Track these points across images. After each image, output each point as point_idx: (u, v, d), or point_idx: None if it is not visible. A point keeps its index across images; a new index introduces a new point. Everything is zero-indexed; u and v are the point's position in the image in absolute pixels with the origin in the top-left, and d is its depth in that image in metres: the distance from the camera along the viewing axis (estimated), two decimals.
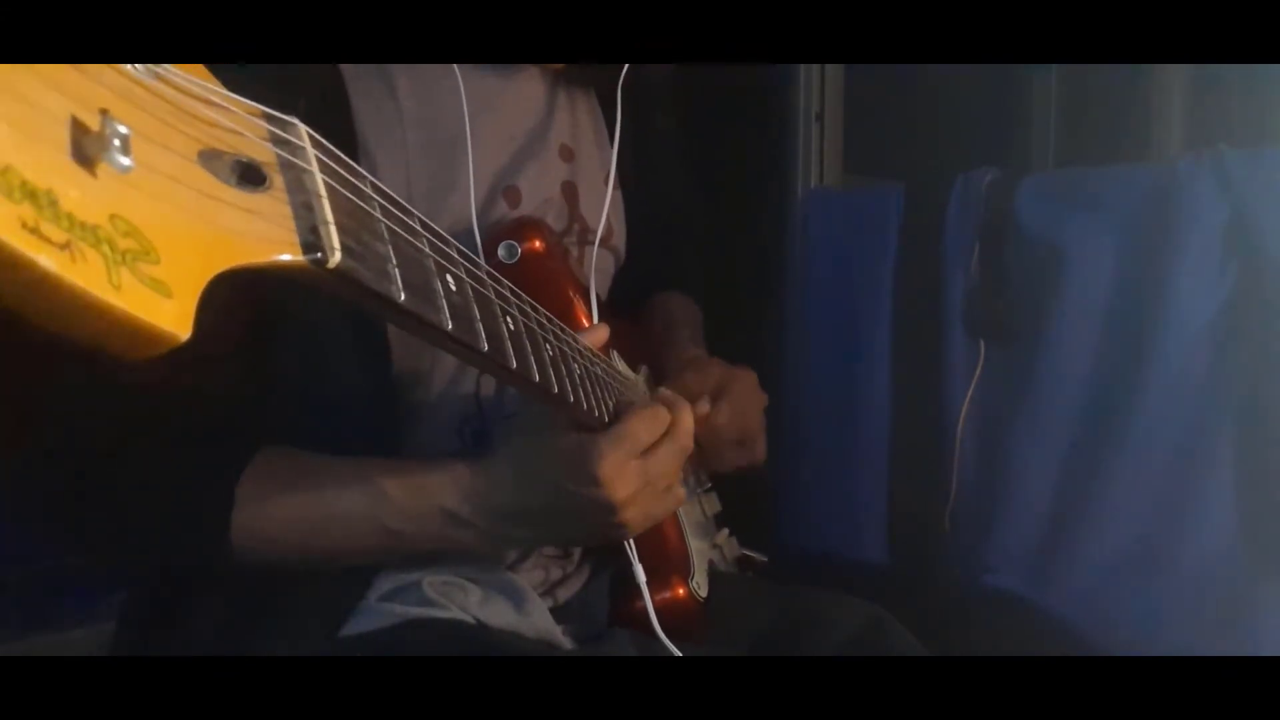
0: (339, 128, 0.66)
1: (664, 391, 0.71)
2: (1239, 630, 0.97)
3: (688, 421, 0.68)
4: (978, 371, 1.17)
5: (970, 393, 1.17)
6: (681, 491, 0.69)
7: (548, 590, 0.78)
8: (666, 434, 0.65)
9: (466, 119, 0.71)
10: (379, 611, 0.69)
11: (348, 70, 0.68)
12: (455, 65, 0.72)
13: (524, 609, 0.73)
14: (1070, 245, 1.08)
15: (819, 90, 1.39)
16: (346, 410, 0.68)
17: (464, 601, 0.71)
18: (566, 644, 0.75)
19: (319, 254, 0.32)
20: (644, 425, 0.64)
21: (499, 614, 0.72)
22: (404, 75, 0.71)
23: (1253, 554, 0.98)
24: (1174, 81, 1.50)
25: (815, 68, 1.38)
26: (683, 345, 0.92)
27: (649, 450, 0.64)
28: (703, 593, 0.80)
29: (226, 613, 0.68)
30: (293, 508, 0.63)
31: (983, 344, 1.16)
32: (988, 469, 1.16)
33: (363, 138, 0.68)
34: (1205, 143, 1.02)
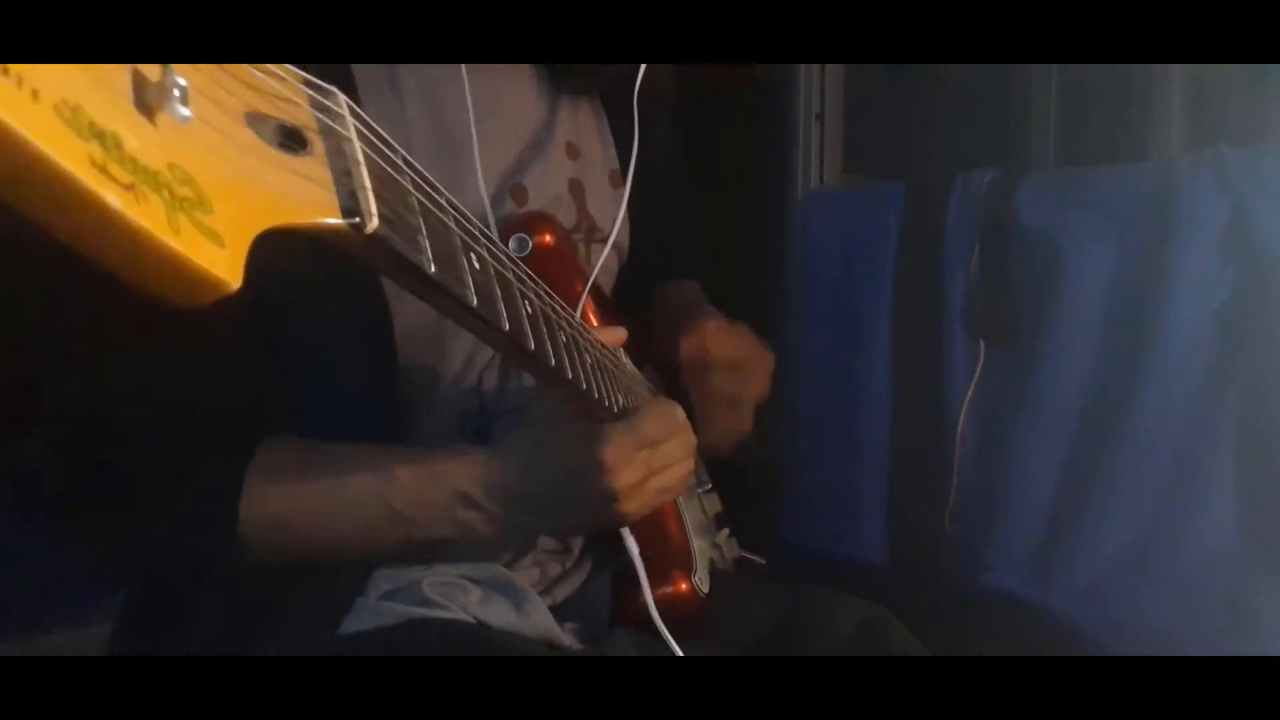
0: None
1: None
2: (1239, 630, 0.97)
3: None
4: (978, 371, 1.17)
5: (970, 393, 1.17)
6: (680, 487, 0.69)
7: (546, 588, 0.78)
8: (675, 432, 0.66)
9: (472, 117, 0.71)
10: (378, 610, 0.69)
11: (358, 72, 0.68)
12: (459, 66, 0.72)
13: (524, 608, 0.73)
14: (1070, 245, 1.08)
15: (819, 90, 1.39)
16: (352, 406, 0.68)
17: (464, 601, 0.71)
18: (567, 643, 0.75)
19: (358, 219, 0.33)
20: (653, 420, 0.65)
21: (499, 613, 0.72)
22: (409, 78, 0.71)
23: (1253, 554, 0.98)
24: (1174, 81, 1.50)
25: (815, 68, 1.38)
26: (708, 310, 0.90)
27: (657, 444, 0.65)
28: (705, 588, 0.80)
29: (223, 613, 0.68)
30: (303, 494, 0.63)
31: (983, 344, 1.17)
32: (988, 469, 1.16)
33: None
34: (1205, 143, 1.02)
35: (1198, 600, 0.99)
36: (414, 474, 0.63)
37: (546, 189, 0.79)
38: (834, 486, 1.28)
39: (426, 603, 0.70)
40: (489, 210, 0.72)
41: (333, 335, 0.66)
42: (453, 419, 0.74)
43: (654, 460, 0.64)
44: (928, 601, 1.12)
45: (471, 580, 0.73)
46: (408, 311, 0.68)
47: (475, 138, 0.71)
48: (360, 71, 0.68)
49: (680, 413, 0.68)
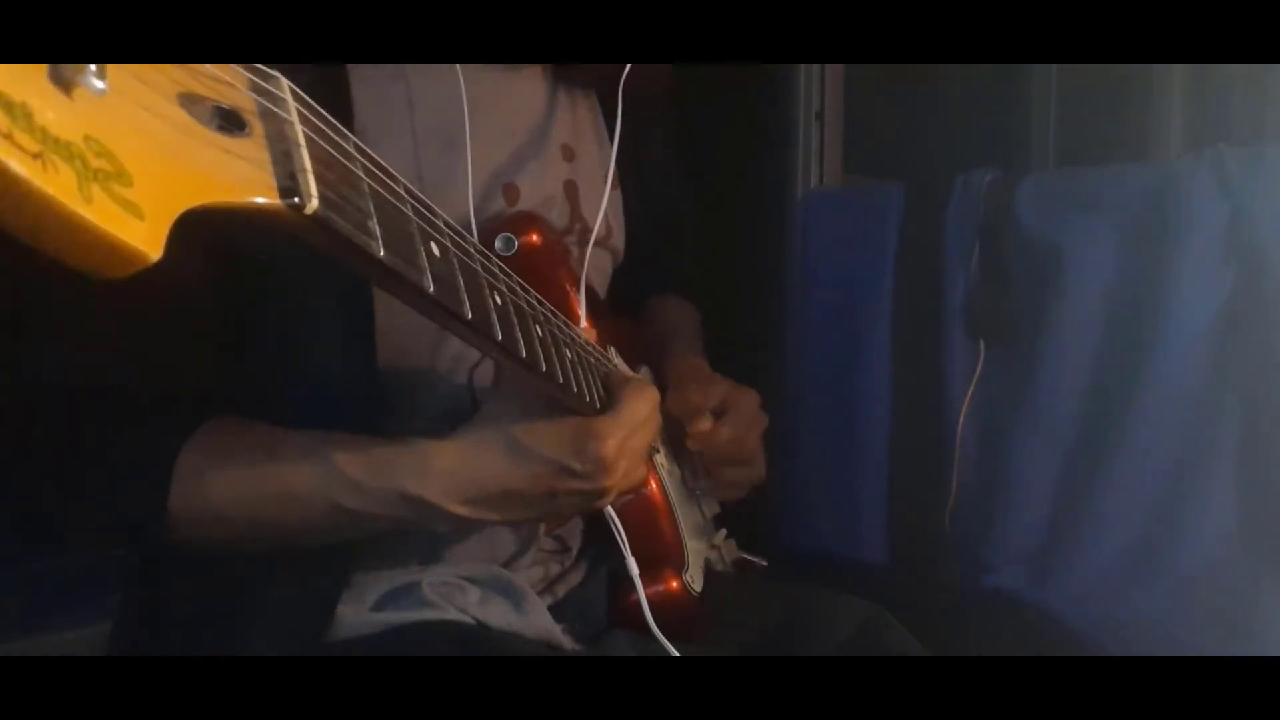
0: (334, 111, 0.66)
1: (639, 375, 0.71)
2: (1239, 630, 0.97)
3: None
4: (978, 371, 1.17)
5: (970, 393, 1.17)
6: (646, 449, 0.69)
7: (546, 587, 0.78)
8: (655, 407, 0.66)
9: (466, 114, 0.71)
10: (376, 622, 0.69)
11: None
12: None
13: (523, 608, 0.73)
14: (1070, 245, 1.08)
15: (819, 90, 1.39)
16: (332, 402, 0.66)
17: (463, 602, 0.71)
18: (567, 643, 0.75)
19: (296, 199, 0.33)
20: (642, 405, 0.64)
21: (498, 614, 0.72)
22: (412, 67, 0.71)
23: (1253, 554, 0.98)
24: (1174, 81, 1.51)
25: (815, 68, 1.39)
26: (680, 354, 0.91)
27: (641, 427, 0.64)
28: (696, 587, 0.80)
29: (222, 613, 0.67)
30: (243, 480, 0.61)
31: (983, 344, 1.16)
32: (988, 469, 1.16)
33: (362, 123, 0.67)
34: (1205, 143, 1.02)
35: (1197, 601, 0.99)
36: (363, 469, 0.60)
37: (539, 189, 0.78)
38: (834, 487, 1.28)
39: (427, 604, 0.69)
40: (470, 204, 0.71)
41: (314, 330, 0.65)
42: (443, 418, 0.73)
43: (635, 444, 0.64)
44: (928, 601, 1.12)
45: (471, 581, 0.73)
46: (396, 310, 0.67)
47: (468, 133, 0.71)
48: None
49: (646, 382, 0.67)
